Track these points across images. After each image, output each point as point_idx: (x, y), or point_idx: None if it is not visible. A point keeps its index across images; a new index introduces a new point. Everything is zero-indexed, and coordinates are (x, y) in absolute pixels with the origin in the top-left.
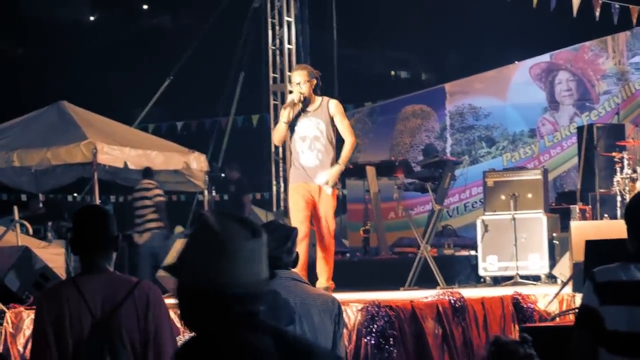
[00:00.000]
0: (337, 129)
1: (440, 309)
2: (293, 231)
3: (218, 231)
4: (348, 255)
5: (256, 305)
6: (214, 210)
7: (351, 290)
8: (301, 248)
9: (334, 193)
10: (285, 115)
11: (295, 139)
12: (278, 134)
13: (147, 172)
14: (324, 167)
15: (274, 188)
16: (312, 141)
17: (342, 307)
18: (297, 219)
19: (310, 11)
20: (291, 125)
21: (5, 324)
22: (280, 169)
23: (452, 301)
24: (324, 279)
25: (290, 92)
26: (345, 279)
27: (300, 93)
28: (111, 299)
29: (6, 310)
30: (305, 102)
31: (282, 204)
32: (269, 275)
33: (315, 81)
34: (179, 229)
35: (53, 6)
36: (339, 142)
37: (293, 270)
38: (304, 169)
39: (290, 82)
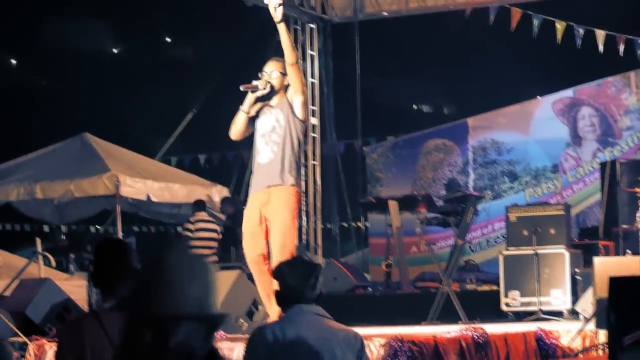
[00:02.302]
0: (301, 124)
1: (463, 344)
2: (317, 267)
3: (160, 262)
4: (370, 289)
5: (210, 336)
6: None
7: (373, 325)
8: (266, 276)
9: (294, 191)
10: (245, 103)
11: (256, 139)
12: (235, 126)
13: (202, 205)
14: (279, 161)
15: (296, 222)
16: (268, 135)
17: (365, 342)
18: (248, 239)
19: (334, 44)
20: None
21: (27, 355)
22: (303, 202)
23: (475, 337)
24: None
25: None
26: (367, 313)
27: (267, 82)
28: None
29: (29, 342)
30: (270, 95)
31: (303, 238)
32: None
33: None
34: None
35: (76, 38)
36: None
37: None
38: (259, 170)
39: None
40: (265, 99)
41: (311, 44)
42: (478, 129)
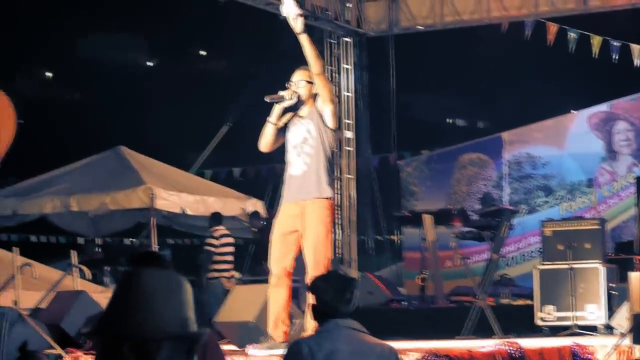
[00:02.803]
0: (332, 134)
1: (499, 359)
2: (352, 281)
3: (136, 275)
4: (404, 303)
5: (188, 356)
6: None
7: (407, 339)
8: (281, 294)
9: (328, 204)
10: (273, 114)
11: (288, 150)
12: (263, 138)
13: (220, 218)
14: (312, 173)
15: (330, 235)
16: (300, 146)
17: (400, 356)
18: (275, 249)
19: (369, 57)
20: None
21: None
22: (337, 215)
23: (511, 351)
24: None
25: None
26: (401, 327)
27: (294, 92)
28: None
29: (64, 354)
30: (298, 105)
31: (338, 251)
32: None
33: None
34: (235, 274)
35: (111, 51)
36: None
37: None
38: (292, 182)
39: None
40: (294, 109)
41: (346, 58)
42: (513, 143)
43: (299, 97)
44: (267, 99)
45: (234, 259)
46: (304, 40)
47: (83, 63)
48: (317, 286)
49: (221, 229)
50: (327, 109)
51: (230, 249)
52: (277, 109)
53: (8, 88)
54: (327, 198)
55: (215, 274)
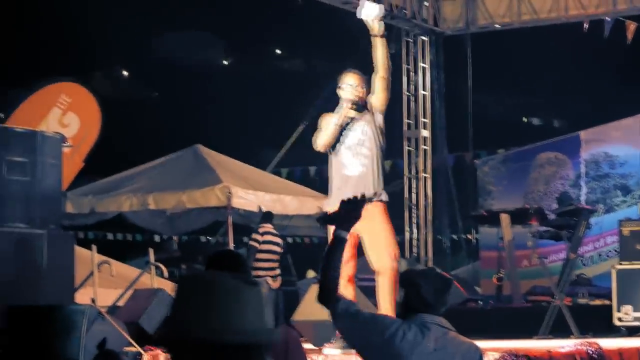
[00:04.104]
0: (383, 136)
1: (578, 359)
2: (451, 282)
3: (211, 282)
4: (481, 302)
5: (259, 356)
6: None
7: (484, 338)
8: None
9: (384, 207)
10: (340, 118)
11: (341, 151)
12: (327, 138)
13: (271, 216)
14: (370, 174)
15: (407, 234)
16: (356, 147)
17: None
18: None
19: (445, 56)
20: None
21: None
22: (414, 214)
23: (590, 352)
24: None
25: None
26: (478, 326)
27: (357, 96)
28: None
29: (142, 352)
30: (358, 108)
31: (414, 250)
32: (275, 326)
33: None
34: (310, 273)
35: (187, 50)
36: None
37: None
38: (349, 183)
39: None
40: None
41: (423, 57)
42: (591, 142)
43: (358, 101)
44: (344, 107)
45: (279, 259)
46: (380, 43)
47: (159, 62)
48: (416, 282)
49: (267, 227)
50: (381, 112)
51: (274, 247)
52: (345, 113)
53: (86, 87)
54: (384, 202)
55: (261, 273)
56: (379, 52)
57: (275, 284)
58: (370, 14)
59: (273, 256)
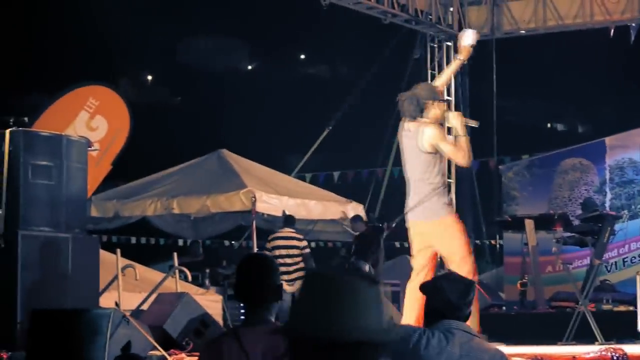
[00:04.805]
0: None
1: None
2: (472, 283)
3: (335, 279)
4: (504, 308)
5: (378, 355)
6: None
7: (508, 344)
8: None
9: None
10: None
11: (443, 161)
12: (469, 152)
13: (291, 220)
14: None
15: None
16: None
17: None
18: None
19: (470, 62)
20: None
21: None
22: None
23: (615, 357)
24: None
25: (447, 101)
26: (501, 332)
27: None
28: (272, 351)
29: (167, 356)
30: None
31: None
32: (393, 326)
33: None
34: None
35: (211, 55)
36: None
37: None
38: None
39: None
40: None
41: (447, 62)
42: (615, 148)
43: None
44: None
45: (296, 262)
46: (458, 65)
47: (184, 66)
48: (439, 286)
49: (284, 232)
50: None
51: (289, 251)
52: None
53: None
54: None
55: (299, 274)
56: (451, 70)
57: (292, 288)
58: (468, 41)
59: (287, 260)
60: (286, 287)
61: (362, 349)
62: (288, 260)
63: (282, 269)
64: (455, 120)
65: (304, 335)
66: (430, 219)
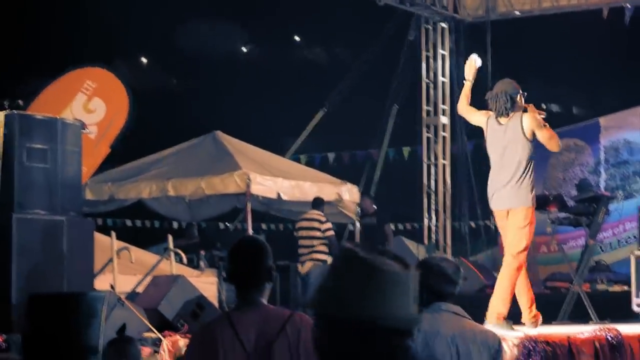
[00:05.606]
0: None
1: (597, 345)
2: (460, 267)
3: (370, 262)
4: None
5: (408, 341)
6: (357, 243)
7: None
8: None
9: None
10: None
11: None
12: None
13: (318, 203)
14: None
15: (426, 221)
16: None
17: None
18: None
19: (465, 43)
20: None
21: (161, 351)
22: (432, 201)
23: (609, 338)
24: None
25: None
26: None
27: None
28: (265, 335)
29: (162, 337)
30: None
31: (432, 237)
32: (419, 310)
33: None
34: (329, 259)
35: (208, 38)
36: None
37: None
38: None
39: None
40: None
41: (442, 44)
42: (610, 129)
43: None
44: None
45: (312, 245)
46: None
47: (179, 50)
48: (431, 270)
49: (310, 214)
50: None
51: (308, 233)
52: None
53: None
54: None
55: (314, 256)
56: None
57: (301, 269)
58: (478, 64)
59: (306, 242)
60: (299, 267)
61: (390, 335)
62: (306, 242)
63: (301, 250)
64: (531, 111)
65: (334, 316)
66: (517, 205)
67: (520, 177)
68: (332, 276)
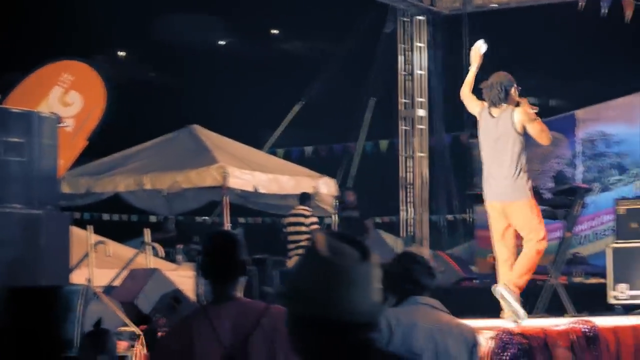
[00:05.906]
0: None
1: (573, 337)
2: (422, 259)
3: (329, 260)
4: (476, 281)
5: (372, 333)
6: (324, 231)
7: (480, 317)
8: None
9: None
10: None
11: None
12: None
13: (304, 198)
14: None
15: (402, 214)
16: None
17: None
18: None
19: (442, 36)
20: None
21: (138, 345)
22: (409, 194)
23: (585, 330)
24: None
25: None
26: (473, 305)
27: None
28: (241, 328)
29: (138, 332)
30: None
31: (410, 229)
32: (382, 301)
33: None
34: None
35: (185, 31)
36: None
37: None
38: None
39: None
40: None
41: (419, 36)
42: (587, 121)
43: None
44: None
45: (298, 240)
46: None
47: (156, 43)
48: (408, 265)
49: (297, 209)
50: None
51: (297, 228)
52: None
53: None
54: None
55: (300, 252)
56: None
57: (288, 263)
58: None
59: (294, 237)
60: (287, 261)
61: (356, 329)
62: (293, 237)
63: (289, 245)
64: (523, 105)
65: (299, 311)
66: (517, 199)
67: (516, 170)
68: (296, 275)
